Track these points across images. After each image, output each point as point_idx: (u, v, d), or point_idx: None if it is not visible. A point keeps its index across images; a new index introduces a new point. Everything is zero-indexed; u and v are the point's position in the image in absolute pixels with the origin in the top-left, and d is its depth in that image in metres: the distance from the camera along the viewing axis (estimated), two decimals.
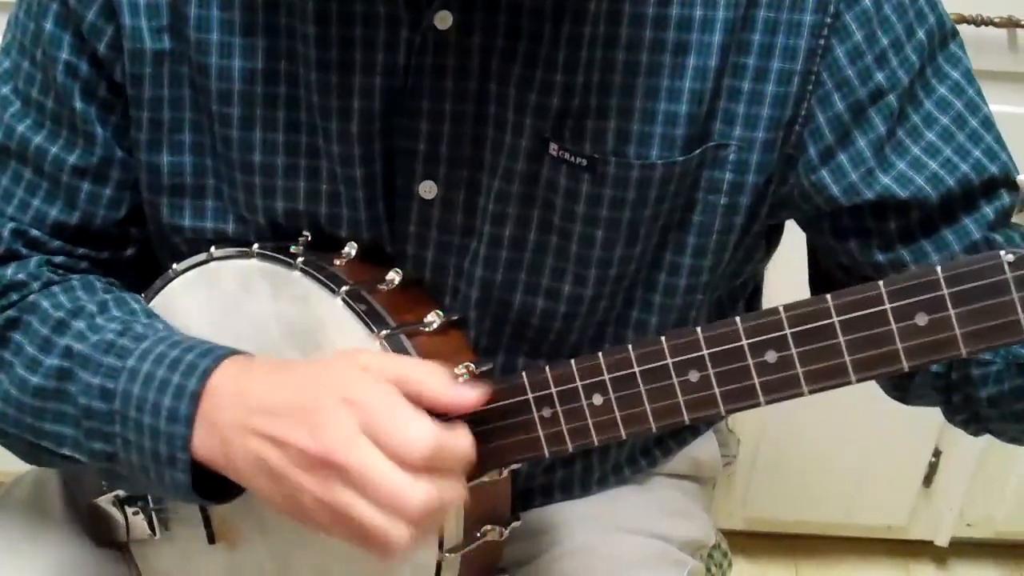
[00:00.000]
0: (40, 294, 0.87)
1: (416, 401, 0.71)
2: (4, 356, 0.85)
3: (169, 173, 0.89)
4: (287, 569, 0.88)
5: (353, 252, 0.85)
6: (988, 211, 0.84)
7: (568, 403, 0.72)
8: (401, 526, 0.69)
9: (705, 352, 0.67)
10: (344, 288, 0.80)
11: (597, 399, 0.71)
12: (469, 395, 0.72)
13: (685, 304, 0.89)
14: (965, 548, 2.09)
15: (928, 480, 1.99)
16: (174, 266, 0.88)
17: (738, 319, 0.66)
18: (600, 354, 0.70)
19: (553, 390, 0.72)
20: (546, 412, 0.73)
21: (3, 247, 0.88)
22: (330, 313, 0.80)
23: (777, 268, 1.01)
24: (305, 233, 0.88)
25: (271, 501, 0.74)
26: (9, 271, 0.87)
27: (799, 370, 0.64)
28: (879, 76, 0.81)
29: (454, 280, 0.88)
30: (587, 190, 0.82)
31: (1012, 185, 0.85)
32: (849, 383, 0.63)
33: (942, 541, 2.05)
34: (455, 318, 0.84)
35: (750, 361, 0.66)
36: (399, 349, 0.78)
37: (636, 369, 0.69)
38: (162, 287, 0.89)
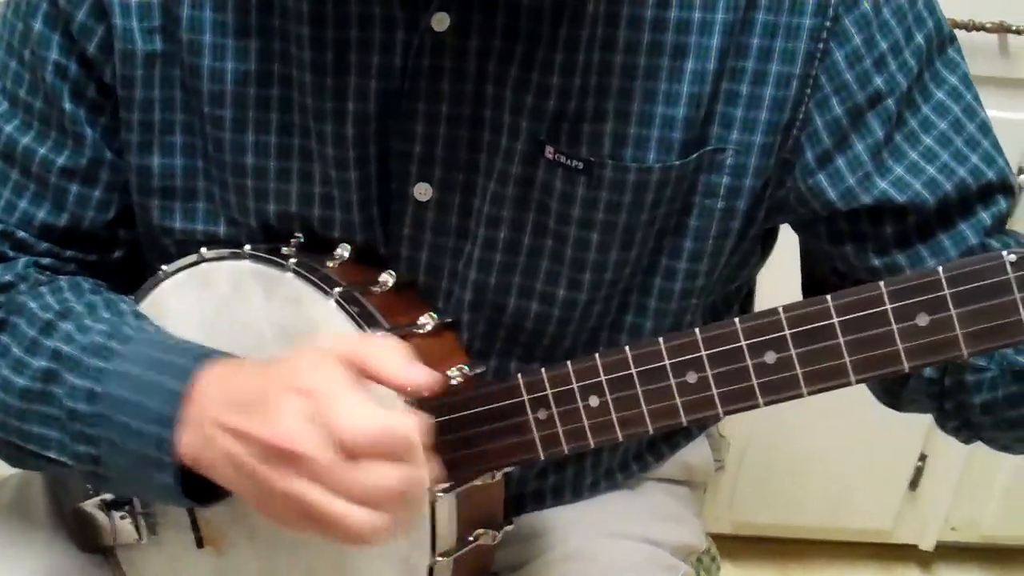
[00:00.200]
0: (27, 295, 0.86)
1: (372, 379, 0.70)
2: None
3: (160, 175, 0.88)
4: (275, 573, 0.87)
5: (346, 254, 0.84)
6: (985, 216, 0.83)
7: (564, 405, 0.71)
8: (364, 512, 0.67)
9: (703, 353, 0.66)
10: (337, 290, 0.79)
11: (594, 401, 0.70)
12: (423, 376, 0.70)
13: (680, 309, 0.88)
14: (950, 552, 2.10)
15: (914, 484, 1.99)
16: (164, 268, 0.87)
17: (737, 320, 0.65)
18: (597, 355, 0.70)
19: (549, 392, 0.72)
20: (541, 414, 0.72)
21: None
22: (323, 315, 0.80)
23: (769, 272, 1.01)
24: (297, 235, 0.87)
25: (248, 499, 0.73)
26: None
27: (798, 371, 0.64)
28: (878, 80, 0.81)
29: (448, 283, 0.87)
30: (583, 193, 0.82)
31: (1009, 190, 0.85)
32: (849, 384, 0.63)
33: (927, 545, 2.05)
34: (449, 321, 0.84)
35: (749, 362, 0.65)
36: None
37: (633, 370, 0.69)
38: (152, 289, 0.88)
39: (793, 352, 0.64)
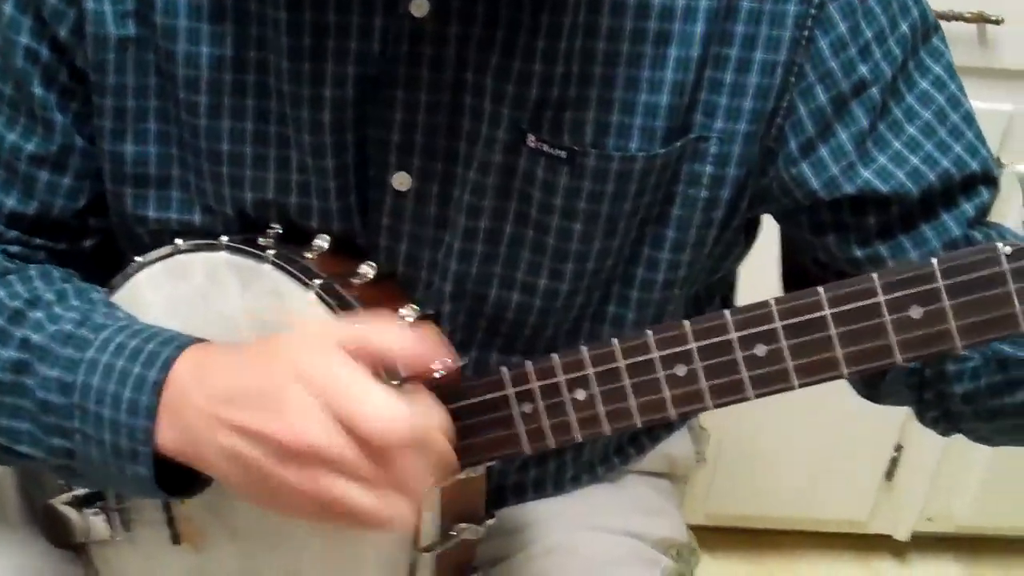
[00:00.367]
0: None
1: (382, 358, 0.69)
2: None
3: (133, 163, 0.86)
4: (255, 572, 0.85)
5: (325, 245, 0.83)
6: (968, 208, 0.83)
7: (550, 398, 0.70)
8: (399, 501, 0.66)
9: (693, 346, 0.65)
10: (317, 281, 0.78)
11: (580, 394, 0.69)
12: (431, 346, 0.69)
13: (662, 299, 0.87)
14: (925, 542, 2.10)
15: (890, 474, 2.00)
16: (138, 258, 0.85)
17: (727, 312, 0.64)
18: (583, 348, 0.69)
19: (534, 385, 0.70)
20: (527, 408, 0.71)
21: None
22: (302, 307, 0.78)
23: (750, 265, 1.00)
24: (274, 225, 0.85)
25: (242, 491, 0.72)
26: None
27: (790, 364, 0.63)
28: (862, 69, 0.80)
29: (427, 273, 0.86)
30: (565, 182, 0.81)
31: (991, 182, 0.84)
32: (841, 377, 0.62)
33: (903, 536, 2.06)
34: (430, 312, 0.82)
35: (739, 355, 0.64)
36: None
37: (621, 363, 0.68)
38: (125, 280, 0.86)
39: (784, 344, 0.63)
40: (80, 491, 0.90)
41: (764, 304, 0.63)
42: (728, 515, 2.03)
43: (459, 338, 0.88)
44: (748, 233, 0.94)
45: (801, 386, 0.63)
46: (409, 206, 0.83)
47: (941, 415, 0.86)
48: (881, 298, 0.60)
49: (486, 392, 0.72)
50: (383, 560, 0.78)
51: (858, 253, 0.84)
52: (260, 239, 0.83)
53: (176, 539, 0.88)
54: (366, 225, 0.85)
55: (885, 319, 0.60)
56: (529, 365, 0.70)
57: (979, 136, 0.84)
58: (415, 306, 0.80)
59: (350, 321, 0.75)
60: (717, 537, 2.05)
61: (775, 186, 0.83)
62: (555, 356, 0.70)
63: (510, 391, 0.71)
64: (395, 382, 0.70)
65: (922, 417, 0.89)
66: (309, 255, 0.82)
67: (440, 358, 0.70)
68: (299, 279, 0.79)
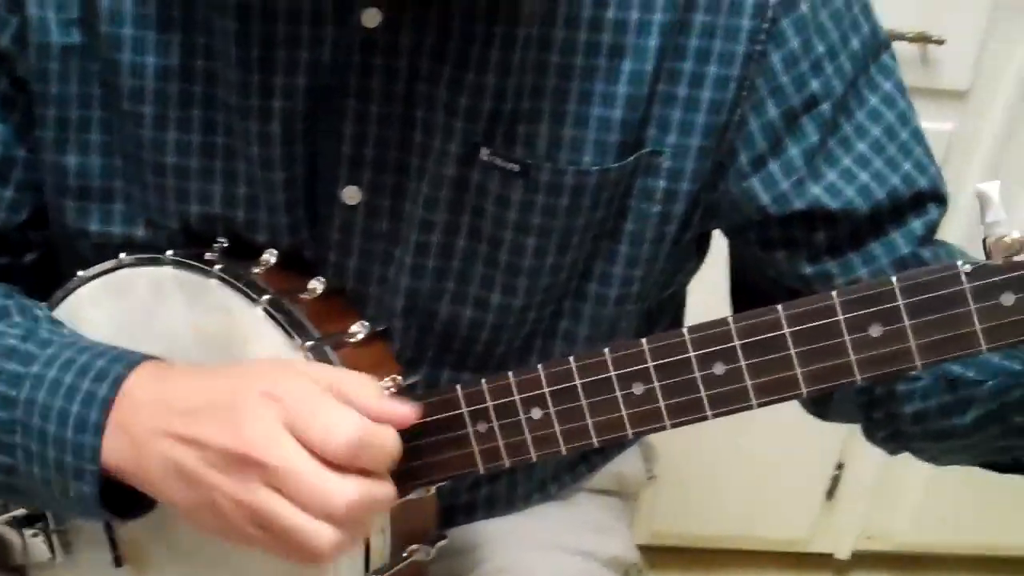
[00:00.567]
0: None
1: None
2: None
3: (76, 174, 0.84)
4: None
5: (272, 259, 0.81)
6: (917, 225, 0.83)
7: (505, 417, 0.69)
8: (326, 528, 0.65)
9: (650, 364, 0.65)
10: (265, 297, 0.76)
11: (536, 413, 0.68)
12: (402, 409, 0.69)
13: (616, 314, 0.86)
14: (865, 560, 2.12)
15: (831, 493, 2.00)
16: (80, 273, 0.83)
17: (685, 330, 0.64)
18: (540, 366, 0.68)
19: (489, 403, 0.69)
20: (481, 427, 0.70)
21: None
22: (250, 324, 0.76)
23: (697, 282, 0.99)
24: (221, 239, 0.83)
25: (184, 508, 0.70)
26: None
27: (748, 383, 0.63)
28: (814, 84, 0.80)
29: (378, 289, 0.85)
30: (519, 197, 0.80)
31: (940, 199, 0.84)
32: (800, 396, 0.62)
33: (843, 554, 2.07)
34: (381, 329, 0.81)
35: (697, 374, 0.64)
36: (323, 360, 0.75)
37: (577, 382, 0.67)
38: (66, 296, 0.84)
39: (743, 363, 0.62)
40: (19, 511, 0.87)
41: (723, 322, 0.63)
42: (669, 533, 2.03)
43: (409, 354, 0.86)
44: (699, 248, 0.93)
45: (760, 405, 0.63)
46: (359, 220, 0.82)
47: (890, 435, 0.86)
48: (840, 317, 0.60)
49: (440, 411, 0.70)
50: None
51: (807, 270, 0.84)
52: (207, 254, 0.81)
53: (118, 561, 0.85)
54: (315, 239, 0.83)
55: (844, 338, 0.60)
56: (484, 383, 0.69)
57: (928, 154, 0.85)
58: (365, 322, 0.79)
59: (326, 366, 0.74)
60: (659, 556, 2.05)
61: (725, 201, 0.83)
62: (510, 374, 0.68)
63: (464, 410, 0.70)
64: None
65: (871, 436, 0.89)
66: (257, 270, 0.80)
67: (402, 413, 0.69)
68: (247, 294, 0.77)
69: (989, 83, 1.69)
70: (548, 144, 0.79)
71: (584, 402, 0.67)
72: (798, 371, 0.61)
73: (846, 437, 1.92)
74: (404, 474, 0.71)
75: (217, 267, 0.78)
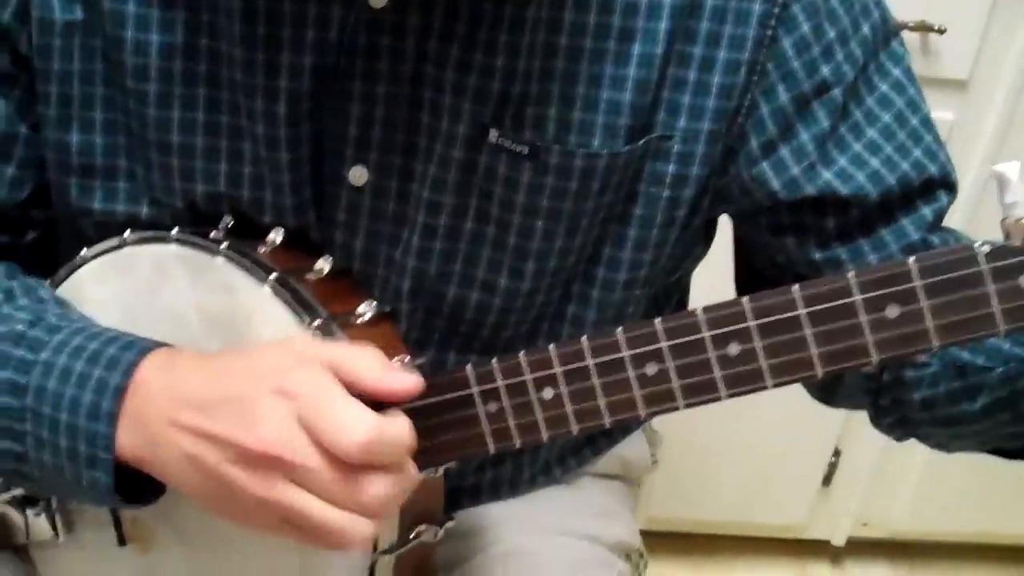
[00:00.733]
0: None
1: (351, 388, 0.67)
2: None
3: (79, 152, 0.83)
4: (204, 574, 0.82)
5: (279, 239, 0.80)
6: (926, 212, 0.82)
7: (516, 397, 0.68)
8: (360, 520, 0.65)
9: (664, 344, 0.64)
10: (272, 276, 0.76)
11: (547, 393, 0.67)
12: (406, 380, 0.68)
13: (623, 299, 0.86)
14: (861, 547, 2.12)
15: (827, 480, 2.00)
16: (83, 252, 0.83)
17: (699, 310, 0.63)
18: (551, 346, 0.67)
19: (500, 383, 0.69)
20: (492, 407, 0.69)
21: None
22: (257, 302, 0.76)
23: (700, 268, 0.99)
24: (226, 218, 0.83)
25: (204, 501, 0.69)
26: None
27: (763, 363, 0.62)
28: (825, 69, 0.79)
29: (384, 270, 0.84)
30: (528, 179, 0.79)
31: (950, 187, 0.84)
32: (815, 377, 0.61)
33: (839, 541, 2.07)
34: (387, 310, 0.80)
35: (711, 354, 0.63)
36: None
37: (590, 362, 0.66)
38: (69, 274, 0.84)
39: (758, 344, 0.62)
40: (20, 491, 0.86)
41: (736, 302, 0.62)
42: (665, 519, 2.03)
43: (416, 336, 0.86)
44: (707, 233, 0.93)
45: (775, 386, 0.62)
46: (366, 201, 0.81)
47: (897, 421, 0.86)
48: (857, 297, 0.59)
49: (450, 390, 0.70)
50: (341, 564, 0.75)
51: (817, 255, 0.83)
52: (212, 232, 0.81)
53: (122, 540, 0.85)
54: (321, 220, 0.83)
55: (861, 319, 0.59)
56: (495, 363, 0.69)
57: (937, 140, 0.84)
58: (372, 303, 0.78)
59: (327, 343, 0.73)
60: (653, 541, 2.02)
61: (735, 186, 0.82)
62: (522, 354, 0.68)
63: (475, 389, 0.69)
64: None
65: (877, 422, 0.89)
66: (263, 249, 0.80)
67: (406, 386, 0.68)
68: (253, 273, 0.76)
69: (990, 72, 1.69)
70: (557, 127, 0.78)
71: (596, 382, 0.66)
72: (813, 352, 0.61)
73: (844, 424, 1.92)
74: (414, 455, 0.70)
75: (223, 246, 0.78)
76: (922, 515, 2.03)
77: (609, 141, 0.79)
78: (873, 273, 0.59)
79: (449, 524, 0.80)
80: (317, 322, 0.74)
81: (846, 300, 0.60)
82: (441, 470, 0.76)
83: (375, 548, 0.74)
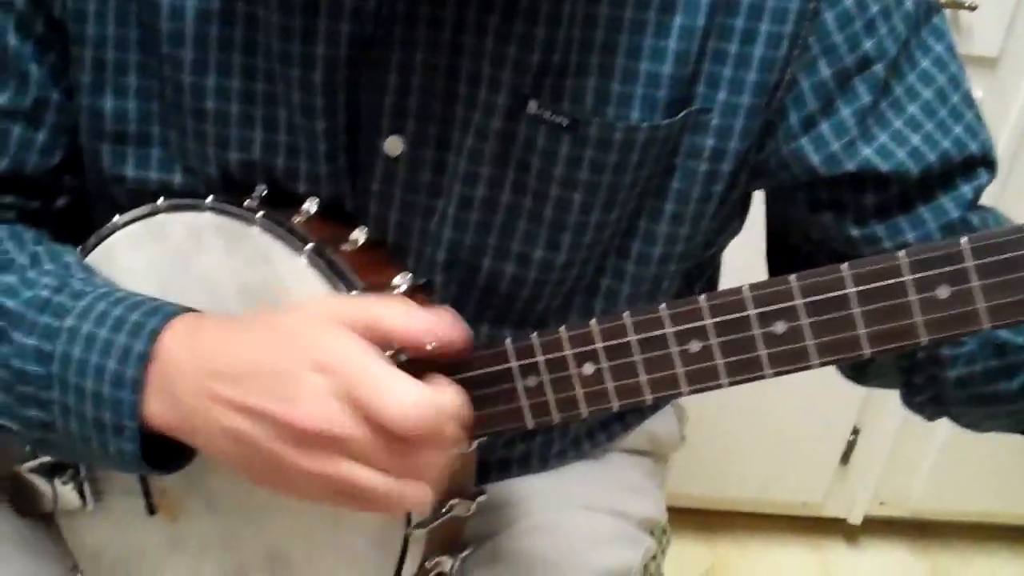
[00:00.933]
0: None
1: (390, 341, 0.66)
2: None
3: (112, 118, 0.82)
4: (235, 546, 0.82)
5: (313, 208, 0.79)
6: (966, 190, 0.82)
7: (556, 372, 0.68)
8: (412, 487, 0.65)
9: (708, 321, 0.63)
10: (308, 246, 0.75)
11: (588, 368, 0.67)
12: (456, 329, 0.68)
13: (658, 273, 0.85)
14: (876, 526, 2.12)
15: (845, 458, 2.00)
16: (116, 219, 0.82)
17: (745, 287, 0.62)
18: (593, 321, 0.66)
19: (540, 358, 0.68)
20: (531, 381, 0.69)
21: None
22: (292, 272, 0.75)
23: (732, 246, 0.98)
24: (260, 186, 0.82)
25: (245, 472, 0.69)
26: None
27: (809, 342, 0.61)
28: (867, 44, 0.78)
29: (419, 242, 0.83)
30: (566, 151, 0.78)
31: (990, 165, 0.83)
32: (862, 356, 0.60)
33: (855, 519, 2.07)
34: (422, 282, 0.80)
35: (757, 331, 0.62)
36: None
37: (632, 337, 0.65)
38: (100, 241, 0.83)
39: (804, 322, 0.61)
40: (48, 459, 0.86)
41: (784, 280, 0.61)
42: (683, 495, 2.03)
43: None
44: (742, 208, 0.92)
45: (821, 365, 0.61)
46: (401, 172, 0.81)
47: (930, 399, 0.85)
48: (907, 277, 0.59)
49: (488, 364, 0.69)
50: (375, 537, 0.75)
51: (854, 232, 0.83)
52: (246, 201, 0.80)
53: (152, 509, 0.84)
54: (355, 190, 0.82)
55: (911, 298, 0.59)
56: (534, 337, 0.68)
57: (979, 117, 0.83)
58: (408, 274, 0.78)
59: (357, 298, 0.72)
60: (670, 517, 2.04)
61: (773, 161, 0.81)
62: (562, 329, 0.67)
63: (513, 364, 0.69)
64: (403, 357, 0.68)
65: (909, 400, 0.88)
66: (297, 219, 0.79)
67: (450, 336, 0.67)
68: (289, 243, 0.76)
69: (1021, 50, 1.67)
70: (595, 98, 0.77)
71: (639, 358, 0.65)
72: (862, 331, 0.60)
73: (863, 403, 1.91)
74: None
75: (258, 214, 0.77)
76: (939, 495, 2.02)
77: (647, 114, 0.78)
78: (924, 252, 0.58)
79: (481, 498, 0.80)
80: (353, 293, 0.73)
81: (896, 279, 0.59)
82: (475, 444, 0.76)
83: (409, 522, 0.74)
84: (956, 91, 0.82)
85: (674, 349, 0.64)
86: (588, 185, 0.79)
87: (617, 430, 1.00)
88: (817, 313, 0.61)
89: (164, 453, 0.73)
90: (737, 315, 0.63)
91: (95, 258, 0.83)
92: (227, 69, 0.80)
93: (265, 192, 0.82)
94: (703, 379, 0.64)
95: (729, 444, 1.96)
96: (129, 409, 0.70)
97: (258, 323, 0.70)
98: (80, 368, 0.72)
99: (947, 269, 0.58)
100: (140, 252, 0.81)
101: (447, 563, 0.80)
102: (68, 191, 0.88)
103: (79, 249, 0.84)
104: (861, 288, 0.60)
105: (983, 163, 0.83)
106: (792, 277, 0.61)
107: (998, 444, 0.87)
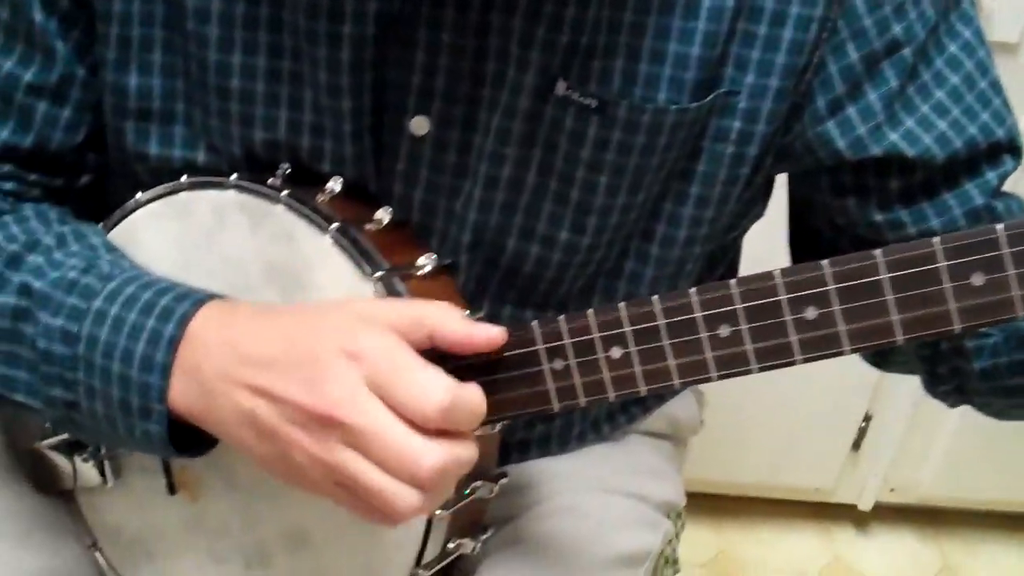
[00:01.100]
0: None
1: (429, 343, 0.66)
2: None
3: (136, 95, 0.82)
4: (255, 526, 0.82)
5: (337, 188, 0.79)
6: (991, 176, 0.81)
7: (583, 356, 0.67)
8: (410, 491, 0.64)
9: (738, 306, 0.63)
10: (334, 225, 0.75)
11: (616, 352, 0.66)
12: (491, 332, 0.67)
13: (682, 256, 0.85)
14: (886, 513, 2.12)
15: (857, 444, 2.00)
16: (138, 196, 0.82)
17: (777, 272, 0.62)
18: (621, 304, 0.66)
19: (567, 341, 0.68)
20: (557, 364, 0.68)
21: None
22: (317, 252, 0.75)
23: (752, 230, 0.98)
24: (284, 165, 0.81)
25: (257, 457, 0.69)
26: None
27: (842, 328, 0.61)
28: (896, 28, 0.77)
29: (443, 223, 0.83)
30: (594, 133, 0.78)
31: (1016, 151, 0.83)
32: (895, 343, 0.60)
33: (865, 505, 2.07)
34: (447, 263, 0.79)
35: (788, 317, 0.62)
36: (393, 293, 0.73)
37: (661, 321, 0.65)
38: (123, 218, 0.83)
39: (836, 308, 0.61)
40: (69, 436, 0.86)
41: (816, 265, 0.61)
42: (695, 479, 2.02)
43: (471, 289, 0.85)
44: (765, 191, 0.91)
45: (853, 351, 0.61)
46: (427, 152, 0.80)
47: (954, 389, 0.85)
48: (942, 263, 0.58)
49: (514, 347, 0.69)
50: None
51: (878, 217, 0.82)
52: (270, 179, 0.80)
53: (172, 488, 0.84)
54: (380, 171, 0.81)
55: (945, 286, 0.58)
56: (561, 320, 0.68)
57: (1006, 104, 0.83)
58: (433, 255, 0.78)
59: (399, 302, 0.72)
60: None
61: (798, 144, 0.81)
62: (590, 312, 0.67)
63: (540, 346, 0.68)
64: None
65: (932, 389, 0.88)
66: (320, 198, 0.78)
67: (493, 337, 0.68)
68: (314, 222, 0.75)
69: None
70: (623, 80, 0.77)
71: (667, 342, 0.65)
72: (895, 318, 0.60)
73: (875, 389, 1.91)
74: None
75: (283, 193, 0.77)
76: (949, 482, 2.02)
77: (675, 95, 0.77)
78: (959, 240, 0.58)
79: (503, 481, 0.80)
80: (378, 273, 0.73)
81: (930, 266, 0.58)
82: (499, 426, 0.75)
83: None
84: (984, 77, 0.82)
85: (703, 334, 0.64)
86: (615, 167, 0.79)
87: (637, 413, 1.00)
88: (849, 299, 0.60)
89: (189, 437, 0.73)
90: (768, 300, 0.62)
91: (117, 234, 0.83)
92: (253, 47, 0.79)
93: (288, 171, 0.81)
94: (732, 364, 0.64)
95: (740, 429, 1.96)
96: (157, 393, 0.70)
97: (293, 315, 0.70)
98: (107, 350, 0.72)
99: (982, 256, 0.57)
100: (163, 229, 0.81)
101: (468, 545, 0.80)
102: (92, 169, 0.87)
103: (100, 225, 0.84)
104: (894, 274, 0.59)
105: (1009, 150, 0.82)
106: (825, 262, 0.61)
107: (1009, 433, 0.87)
